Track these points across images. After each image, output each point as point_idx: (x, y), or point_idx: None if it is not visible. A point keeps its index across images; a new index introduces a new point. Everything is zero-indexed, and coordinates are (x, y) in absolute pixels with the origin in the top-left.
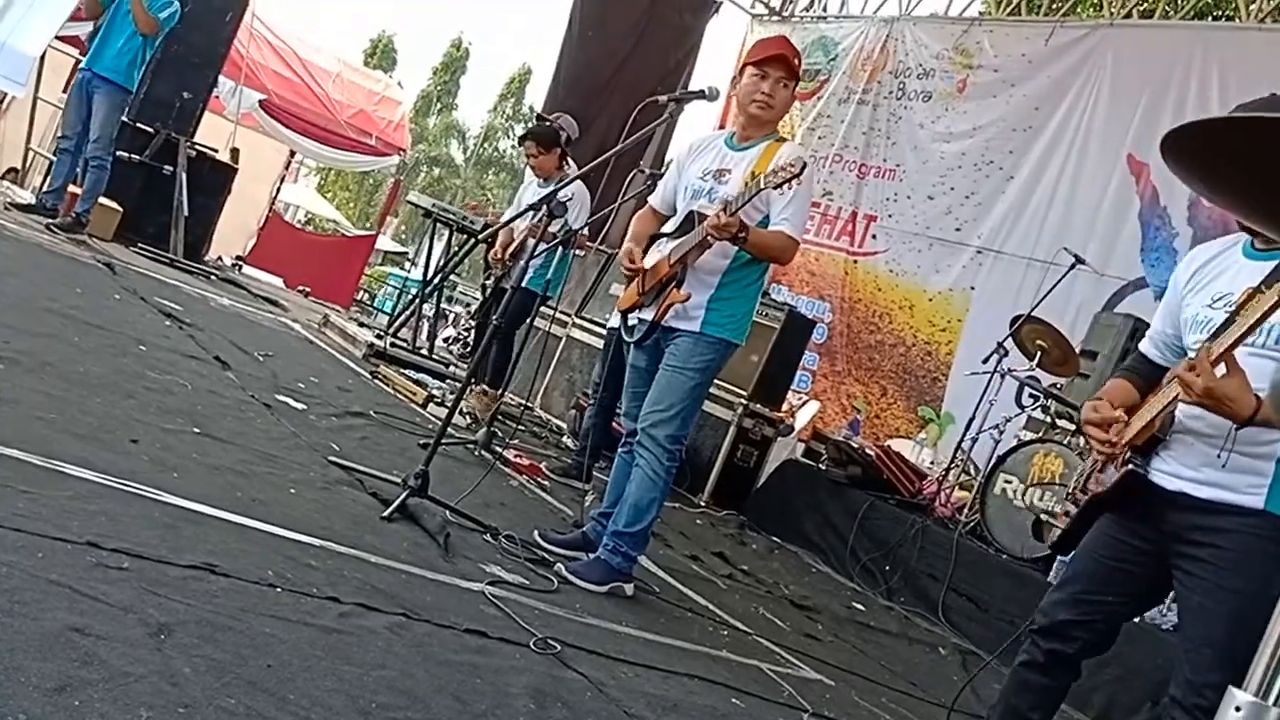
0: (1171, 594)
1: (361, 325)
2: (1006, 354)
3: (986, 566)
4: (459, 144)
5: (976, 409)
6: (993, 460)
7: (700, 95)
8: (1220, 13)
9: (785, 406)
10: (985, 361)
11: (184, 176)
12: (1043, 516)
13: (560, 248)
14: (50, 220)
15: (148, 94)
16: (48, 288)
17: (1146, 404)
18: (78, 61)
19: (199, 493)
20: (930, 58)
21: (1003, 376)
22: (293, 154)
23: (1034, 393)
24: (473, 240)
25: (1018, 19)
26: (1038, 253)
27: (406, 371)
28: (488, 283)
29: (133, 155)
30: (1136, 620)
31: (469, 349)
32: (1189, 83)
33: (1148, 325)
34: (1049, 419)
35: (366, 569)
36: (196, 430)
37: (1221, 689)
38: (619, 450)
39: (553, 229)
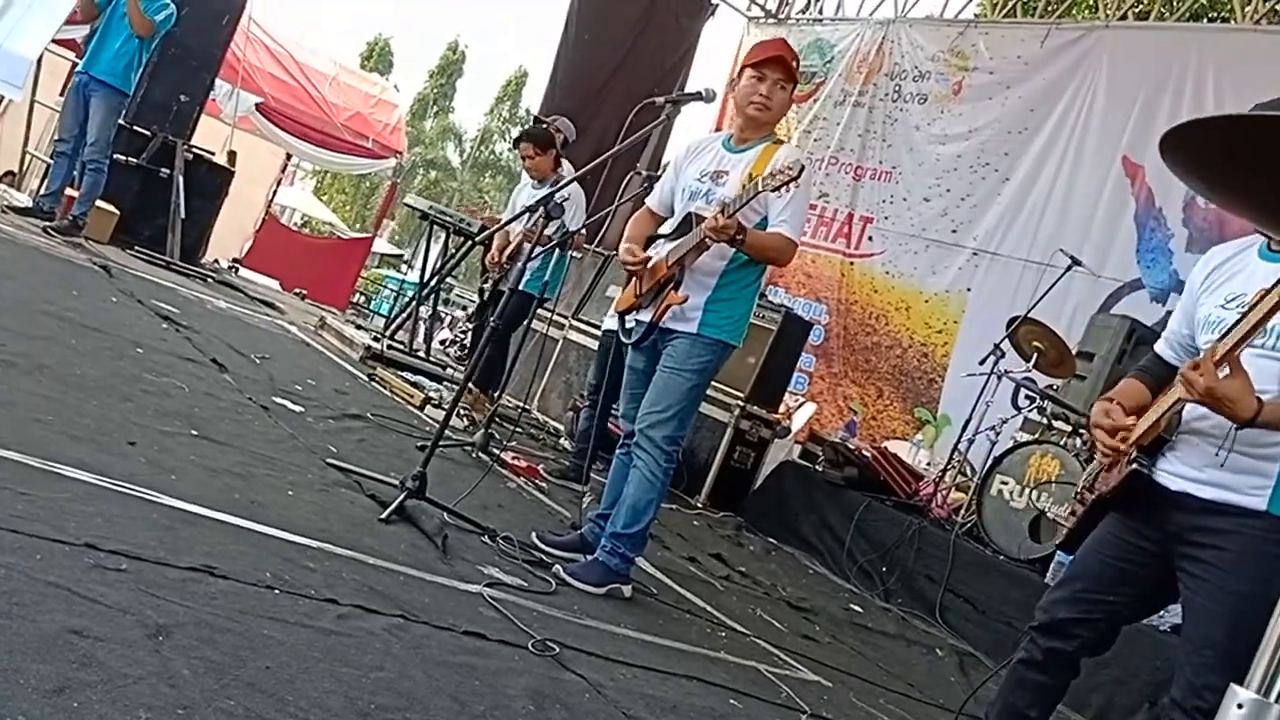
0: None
1: (358, 328)
2: (1003, 355)
3: (983, 568)
4: (455, 147)
5: (973, 410)
6: (989, 461)
7: (697, 97)
8: (1215, 14)
9: (782, 408)
10: (982, 363)
11: (181, 179)
12: (1048, 514)
13: (557, 250)
14: (47, 223)
15: (144, 97)
16: (45, 290)
17: (1154, 404)
18: (74, 64)
19: (196, 494)
20: (926, 60)
21: (999, 378)
22: (289, 157)
23: (1030, 394)
24: (469, 243)
25: (1013, 21)
26: (1034, 254)
27: (403, 374)
28: (485, 286)
29: (130, 158)
30: None
31: (466, 351)
32: (1185, 84)
33: (1144, 326)
34: (1045, 420)
35: (364, 571)
36: (194, 432)
37: (1221, 691)
38: (617, 452)
39: (549, 231)
